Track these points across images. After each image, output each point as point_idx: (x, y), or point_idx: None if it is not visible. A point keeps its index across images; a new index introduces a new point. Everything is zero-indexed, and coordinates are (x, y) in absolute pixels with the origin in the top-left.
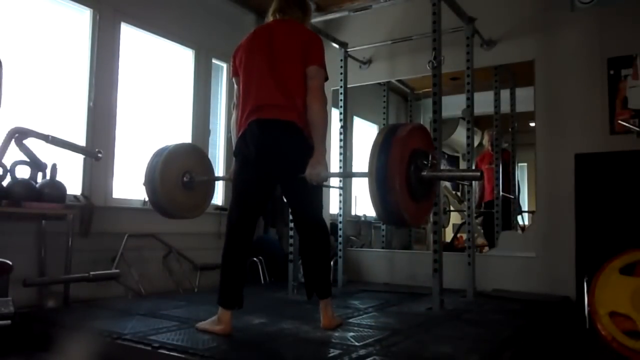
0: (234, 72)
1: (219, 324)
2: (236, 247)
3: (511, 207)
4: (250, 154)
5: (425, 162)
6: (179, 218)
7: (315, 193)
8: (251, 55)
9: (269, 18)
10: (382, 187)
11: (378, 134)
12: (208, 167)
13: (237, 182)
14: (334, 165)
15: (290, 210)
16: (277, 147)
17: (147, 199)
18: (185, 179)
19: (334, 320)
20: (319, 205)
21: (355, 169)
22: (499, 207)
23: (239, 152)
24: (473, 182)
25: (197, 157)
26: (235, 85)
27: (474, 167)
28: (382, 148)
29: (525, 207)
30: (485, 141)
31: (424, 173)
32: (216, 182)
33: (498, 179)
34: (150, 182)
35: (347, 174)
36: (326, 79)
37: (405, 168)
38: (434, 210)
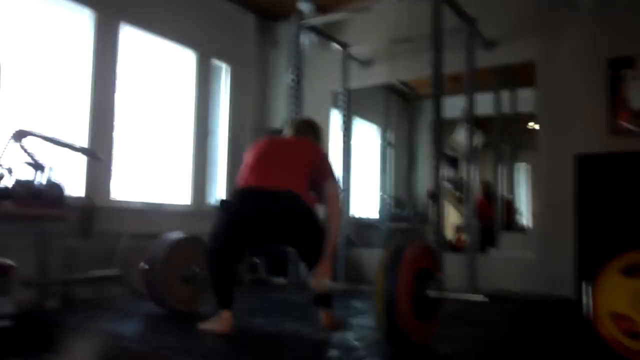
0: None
1: (219, 323)
2: (220, 264)
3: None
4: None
5: (430, 282)
6: (175, 309)
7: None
8: (261, 148)
9: (286, 133)
10: (391, 311)
11: (384, 254)
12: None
13: None
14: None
15: None
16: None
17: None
18: (186, 272)
19: (334, 320)
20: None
21: (355, 171)
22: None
23: None
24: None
25: (197, 248)
26: None
27: (472, 166)
28: (390, 270)
29: (525, 208)
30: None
31: (429, 293)
32: (215, 183)
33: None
34: (150, 276)
35: (351, 288)
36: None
37: (410, 289)
38: (435, 210)
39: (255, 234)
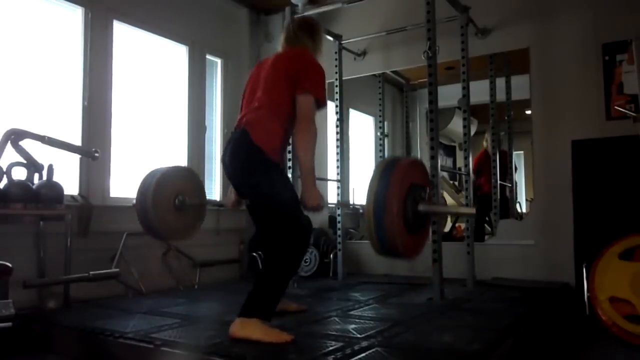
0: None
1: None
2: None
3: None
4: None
5: (422, 196)
6: (169, 240)
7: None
8: (248, 83)
9: (279, 49)
10: (380, 224)
11: (378, 164)
12: (200, 189)
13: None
14: (331, 158)
15: None
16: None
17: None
18: (177, 201)
19: (238, 330)
20: (276, 225)
21: (352, 162)
22: (497, 199)
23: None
24: (470, 174)
25: (189, 180)
26: None
27: (470, 159)
28: (383, 174)
29: (522, 195)
30: (484, 141)
31: (420, 207)
32: (212, 179)
33: (496, 175)
34: (142, 204)
35: (343, 204)
36: (320, 106)
37: (403, 197)
38: (433, 200)
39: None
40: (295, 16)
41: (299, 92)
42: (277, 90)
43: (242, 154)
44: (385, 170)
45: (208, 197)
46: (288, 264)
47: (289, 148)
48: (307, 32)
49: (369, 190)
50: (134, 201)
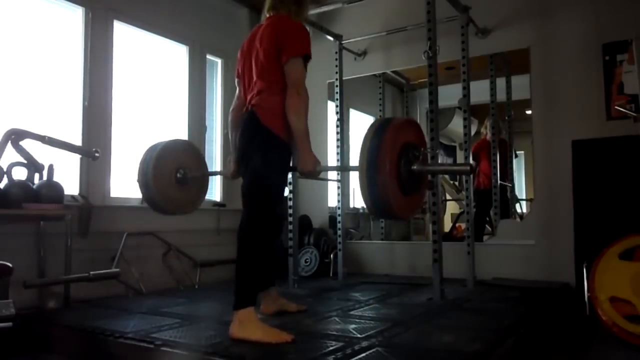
0: (236, 75)
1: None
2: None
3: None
4: None
5: (417, 155)
6: (172, 214)
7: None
8: (240, 59)
9: (263, 17)
10: (372, 169)
11: (372, 123)
12: (202, 162)
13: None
14: (332, 158)
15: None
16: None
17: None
18: (178, 174)
19: (238, 331)
20: (250, 200)
21: (352, 161)
22: (497, 196)
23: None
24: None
25: (190, 153)
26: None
27: (470, 158)
28: (376, 133)
29: (522, 195)
30: (484, 129)
31: (414, 167)
32: (213, 177)
33: (496, 167)
34: (143, 177)
35: (340, 168)
36: (306, 62)
37: (396, 156)
38: (432, 200)
39: None
40: None
41: (285, 59)
42: (271, 70)
43: (251, 132)
44: (378, 129)
45: (208, 197)
46: (254, 248)
47: None
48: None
49: (361, 149)
50: (137, 170)
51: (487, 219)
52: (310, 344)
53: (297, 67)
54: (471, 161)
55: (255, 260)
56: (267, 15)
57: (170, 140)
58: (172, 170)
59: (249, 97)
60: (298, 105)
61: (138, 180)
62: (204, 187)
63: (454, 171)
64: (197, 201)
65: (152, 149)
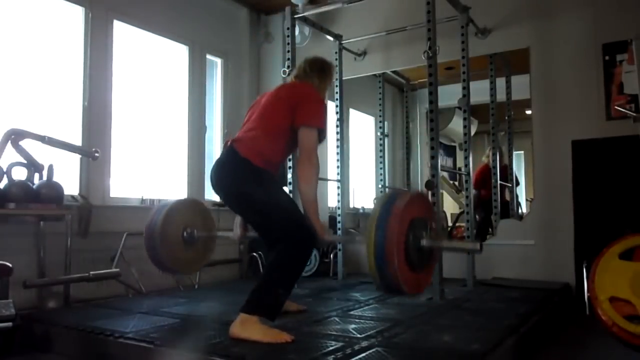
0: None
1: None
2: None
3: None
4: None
5: (425, 231)
6: (177, 273)
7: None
8: (250, 108)
9: (287, 80)
10: (381, 262)
11: (376, 204)
12: (209, 221)
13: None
14: (331, 158)
15: None
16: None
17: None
18: (185, 234)
19: (239, 331)
20: (282, 233)
21: (352, 162)
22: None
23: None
24: (470, 174)
25: (197, 211)
26: None
27: (471, 179)
28: (380, 221)
29: (522, 195)
30: (485, 157)
31: (423, 243)
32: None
33: (496, 194)
34: (150, 240)
35: (345, 239)
36: (322, 138)
37: (403, 241)
38: (433, 200)
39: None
40: (308, 57)
41: (300, 125)
42: (274, 115)
43: (229, 166)
44: (382, 216)
45: (207, 197)
46: (296, 264)
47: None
48: (317, 71)
49: (368, 227)
50: (143, 234)
51: (490, 229)
52: (310, 344)
53: (311, 135)
54: (472, 187)
55: (293, 280)
56: (292, 81)
57: (178, 200)
58: (180, 230)
59: (241, 138)
60: (309, 174)
61: (145, 240)
62: (210, 246)
63: (464, 250)
64: (204, 259)
65: (159, 210)
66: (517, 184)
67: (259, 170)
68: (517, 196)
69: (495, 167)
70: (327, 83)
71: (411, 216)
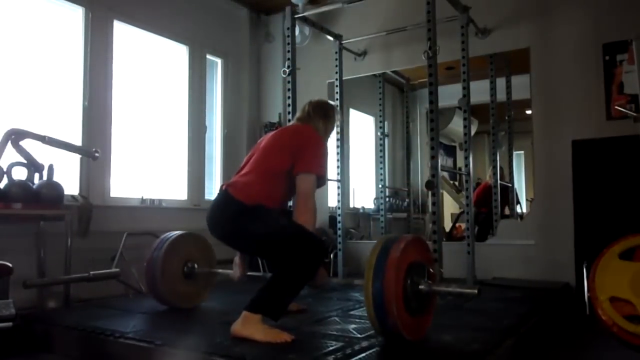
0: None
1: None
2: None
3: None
4: None
5: (423, 276)
6: (177, 307)
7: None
8: (252, 150)
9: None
10: (380, 311)
11: (371, 252)
12: (210, 255)
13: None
14: (331, 158)
15: None
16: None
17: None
18: (186, 268)
19: (240, 329)
20: (294, 251)
21: (352, 162)
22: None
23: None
24: (470, 174)
25: (199, 246)
26: None
27: (472, 193)
28: (377, 271)
29: (522, 195)
30: (488, 178)
31: (422, 287)
32: (212, 175)
33: (497, 213)
34: (150, 274)
35: (346, 282)
36: (321, 183)
37: (401, 289)
38: (432, 200)
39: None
40: (313, 100)
41: (299, 170)
42: (272, 157)
43: (223, 209)
44: (381, 254)
45: (207, 197)
46: (306, 271)
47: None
48: (320, 114)
49: (365, 278)
50: (145, 264)
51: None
52: (310, 344)
53: (309, 180)
54: (472, 204)
55: (301, 284)
56: (294, 123)
57: (179, 234)
58: (180, 265)
59: (238, 180)
60: (306, 219)
61: (145, 274)
62: (211, 281)
63: (462, 294)
64: (204, 294)
65: (159, 246)
66: (519, 203)
67: (253, 208)
68: (519, 215)
69: (496, 186)
70: (330, 127)
71: (408, 261)
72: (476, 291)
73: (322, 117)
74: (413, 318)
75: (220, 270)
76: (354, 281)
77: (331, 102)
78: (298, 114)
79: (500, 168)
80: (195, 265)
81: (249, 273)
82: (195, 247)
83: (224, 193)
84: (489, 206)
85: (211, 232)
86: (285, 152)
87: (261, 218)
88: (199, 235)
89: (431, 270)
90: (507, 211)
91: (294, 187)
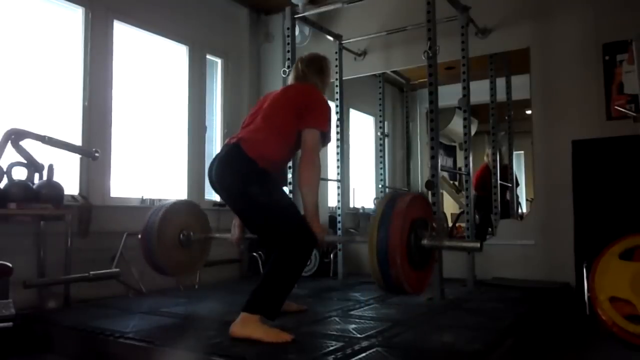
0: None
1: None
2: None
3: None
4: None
5: (426, 231)
6: (174, 276)
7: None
8: (254, 107)
9: (287, 82)
10: (383, 261)
11: (378, 204)
12: (204, 223)
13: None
14: (331, 158)
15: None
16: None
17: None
18: (181, 236)
19: (239, 330)
20: (282, 234)
21: (352, 162)
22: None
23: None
24: (470, 174)
25: (193, 214)
26: None
27: (471, 179)
28: (382, 220)
29: (522, 195)
30: (486, 157)
31: (424, 242)
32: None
33: (497, 194)
34: (147, 242)
35: (346, 239)
36: (325, 142)
37: (405, 240)
38: (433, 200)
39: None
40: (304, 56)
41: (305, 127)
42: (280, 117)
43: (234, 165)
44: (384, 215)
45: (207, 197)
46: (296, 265)
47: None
48: (315, 70)
49: (370, 226)
50: (139, 236)
51: (490, 228)
52: (310, 344)
53: (314, 136)
54: (472, 189)
55: (294, 279)
56: (292, 82)
57: (174, 202)
58: (176, 232)
59: (239, 133)
60: (311, 175)
61: (141, 242)
62: (206, 248)
63: (463, 248)
64: (200, 261)
65: (155, 212)
66: (517, 184)
67: (264, 172)
68: (517, 197)
69: (495, 167)
70: (327, 81)
71: (413, 216)
72: (478, 245)
73: (317, 72)
74: (415, 271)
75: (217, 235)
76: (355, 237)
77: (321, 54)
78: (293, 73)
79: (499, 149)
80: (191, 233)
81: (246, 236)
82: (190, 215)
83: (235, 148)
84: (488, 189)
85: (214, 188)
86: (293, 110)
87: (268, 187)
88: (193, 202)
89: (434, 226)
90: (507, 196)
91: (298, 146)
